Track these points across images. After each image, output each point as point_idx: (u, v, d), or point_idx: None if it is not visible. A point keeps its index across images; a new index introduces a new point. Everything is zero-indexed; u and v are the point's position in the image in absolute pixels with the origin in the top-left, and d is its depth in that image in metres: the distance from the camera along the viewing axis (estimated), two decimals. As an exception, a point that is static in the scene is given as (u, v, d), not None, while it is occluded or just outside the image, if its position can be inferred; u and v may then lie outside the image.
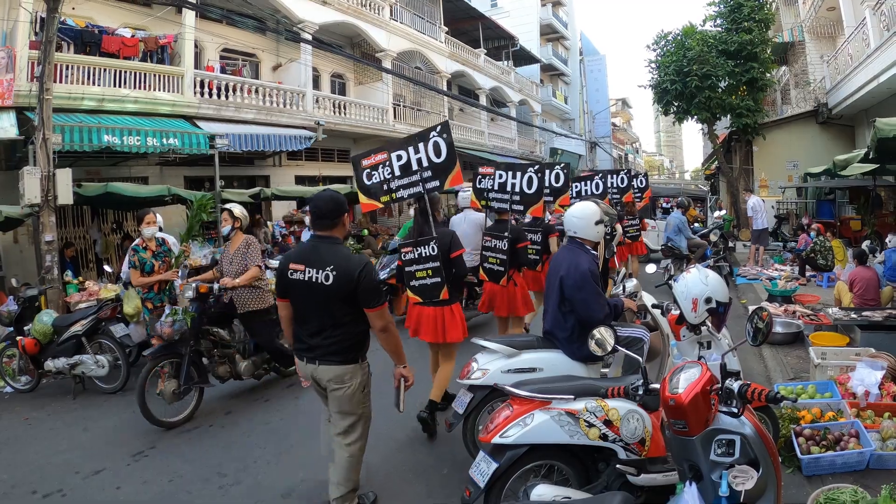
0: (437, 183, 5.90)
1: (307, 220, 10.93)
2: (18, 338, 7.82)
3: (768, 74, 23.75)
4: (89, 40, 14.66)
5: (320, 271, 4.02)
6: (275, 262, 9.98)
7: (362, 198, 6.24)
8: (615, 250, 9.11)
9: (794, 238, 17.82)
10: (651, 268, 7.34)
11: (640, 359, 3.63)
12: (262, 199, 16.01)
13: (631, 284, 6.00)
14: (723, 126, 26.86)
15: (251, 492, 5.03)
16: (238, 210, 7.21)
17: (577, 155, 47.84)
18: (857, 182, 16.43)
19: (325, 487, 4.51)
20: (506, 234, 7.36)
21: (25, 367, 7.86)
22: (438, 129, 5.88)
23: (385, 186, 6.05)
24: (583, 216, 5.05)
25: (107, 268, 10.40)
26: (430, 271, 5.82)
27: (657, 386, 3.19)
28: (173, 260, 8.09)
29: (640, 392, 3.35)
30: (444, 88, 28.12)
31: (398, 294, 9.42)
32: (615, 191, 12.23)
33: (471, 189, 8.67)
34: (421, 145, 5.88)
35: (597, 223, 5.05)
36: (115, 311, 8.17)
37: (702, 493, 2.80)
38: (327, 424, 4.49)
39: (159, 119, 14.81)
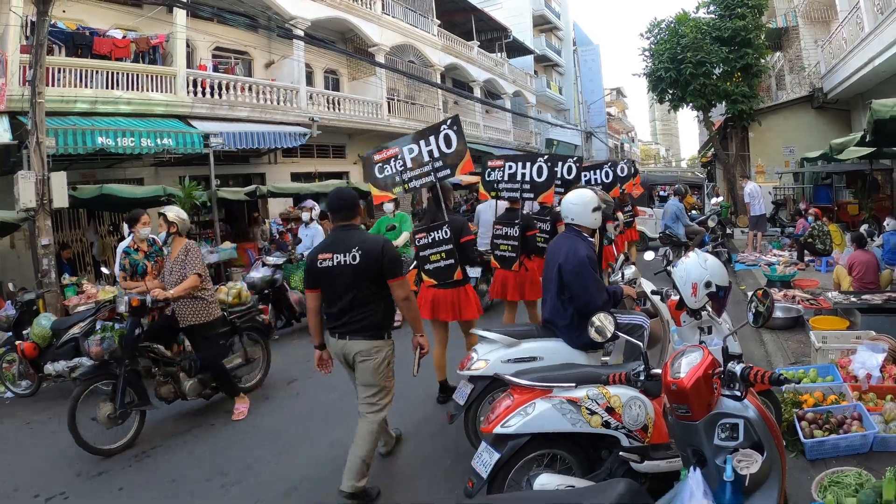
0: (448, 172, 6.32)
1: (304, 216, 10.83)
2: (17, 342, 7.78)
3: (763, 60, 23.73)
4: (80, 42, 14.58)
5: (347, 254, 4.51)
6: (272, 259, 10.00)
7: (374, 190, 6.72)
8: (613, 237, 9.12)
9: (792, 223, 17.79)
10: (650, 255, 7.34)
11: (642, 344, 3.60)
12: (258, 196, 16.00)
13: (630, 271, 5.98)
14: (718, 113, 26.84)
15: (253, 491, 5.00)
16: (173, 214, 6.48)
17: (573, 145, 47.77)
18: (853, 166, 16.41)
19: (326, 485, 4.76)
20: (517, 221, 7.73)
21: (25, 371, 7.82)
22: (449, 122, 6.35)
23: (397, 178, 6.53)
24: (580, 202, 5.04)
25: (104, 269, 10.31)
26: (443, 254, 6.26)
27: (659, 371, 3.16)
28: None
29: (642, 378, 3.31)
30: (438, 82, 28.01)
31: None
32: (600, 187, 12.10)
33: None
34: (432, 138, 6.32)
35: (594, 210, 5.05)
36: (114, 313, 8.11)
37: (706, 478, 2.76)
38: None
39: (153, 120, 14.77)
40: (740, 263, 14.45)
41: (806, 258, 13.81)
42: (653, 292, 5.49)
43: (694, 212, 18.21)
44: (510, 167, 8.15)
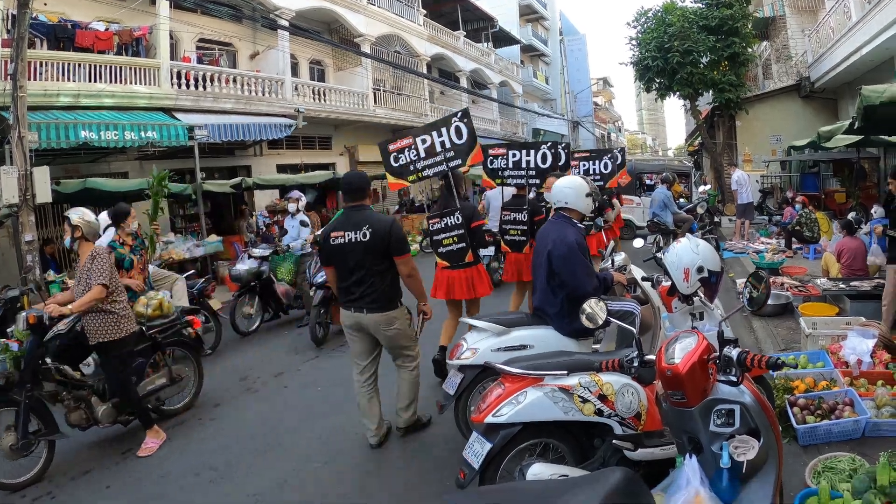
0: (459, 161, 6.77)
1: (290, 207, 10.71)
2: (1, 340, 7.66)
3: (750, 49, 23.79)
4: (62, 35, 14.36)
5: (358, 232, 4.96)
6: (258, 251, 9.90)
7: (390, 178, 7.12)
8: (602, 226, 9.13)
9: (780, 211, 17.89)
10: (638, 242, 7.32)
11: (634, 329, 3.56)
12: (244, 188, 15.84)
13: (620, 258, 5.94)
14: (705, 102, 26.91)
15: (243, 484, 4.93)
16: (76, 217, 5.64)
17: (560, 135, 47.73)
18: (840, 155, 16.47)
19: (318, 477, 4.84)
20: (524, 206, 7.95)
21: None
22: (459, 115, 6.80)
23: (412, 167, 6.93)
24: (574, 186, 4.99)
25: None
26: (455, 238, 6.66)
27: (652, 357, 3.12)
28: (149, 252, 7.92)
29: (636, 364, 3.26)
30: (425, 72, 27.92)
31: (329, 306, 8.93)
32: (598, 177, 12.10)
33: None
34: (444, 129, 6.76)
35: (587, 195, 5.00)
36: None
37: (702, 465, 2.72)
38: (360, 375, 5.36)
39: (137, 113, 14.61)
40: (728, 251, 14.48)
41: (794, 246, 13.86)
42: (643, 279, 5.44)
43: (681, 200, 18.24)
44: (514, 155, 8.51)
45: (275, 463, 5.27)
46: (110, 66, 14.65)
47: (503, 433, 3.61)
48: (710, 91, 23.41)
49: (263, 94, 18.96)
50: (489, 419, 3.62)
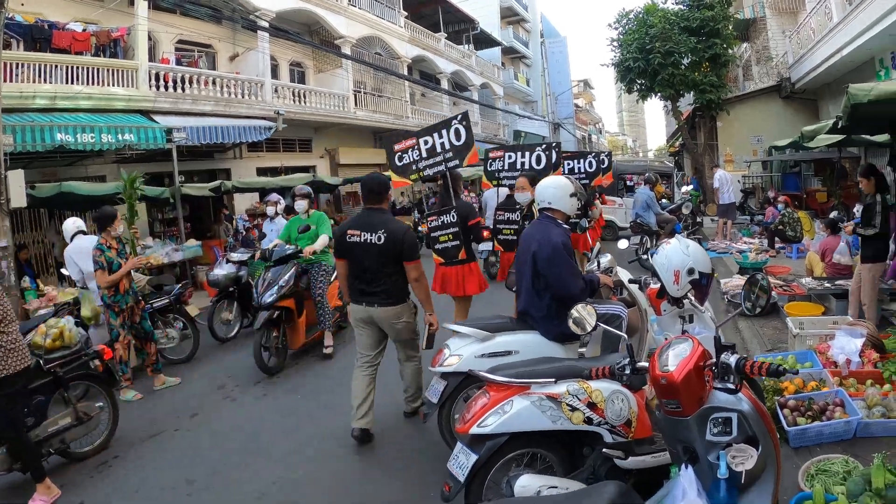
0: (456, 162, 7.01)
1: (268, 210, 10.52)
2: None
3: (731, 50, 23.93)
4: (39, 36, 14.11)
5: (373, 234, 5.27)
6: (236, 256, 9.70)
7: (394, 176, 7.34)
8: (586, 227, 9.08)
9: (761, 211, 17.96)
10: (623, 243, 7.25)
11: (625, 335, 3.44)
12: (223, 192, 15.64)
13: (606, 260, 5.83)
14: (686, 103, 27.02)
15: (222, 496, 4.77)
16: None
17: (541, 137, 47.76)
18: (821, 154, 16.57)
19: (299, 488, 4.82)
20: (517, 206, 8.04)
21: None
22: (459, 117, 7.01)
23: (414, 166, 7.25)
24: (559, 187, 4.85)
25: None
26: (450, 235, 6.94)
27: (645, 364, 2.98)
28: (132, 256, 7.77)
29: (627, 372, 3.11)
30: (406, 74, 27.80)
31: (294, 322, 8.14)
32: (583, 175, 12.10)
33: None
34: (444, 131, 6.99)
35: (571, 195, 4.87)
36: (72, 316, 7.81)
37: (698, 475, 2.60)
38: (362, 365, 5.58)
39: (114, 115, 14.34)
40: (711, 251, 14.45)
41: (777, 245, 13.88)
42: (630, 281, 5.33)
43: (664, 200, 18.27)
44: (510, 157, 8.93)
45: (256, 473, 5.11)
46: (88, 68, 14.39)
47: (489, 444, 3.48)
48: (692, 92, 23.54)
49: (243, 96, 18.73)
50: (474, 430, 3.48)
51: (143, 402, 7.09)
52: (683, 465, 2.66)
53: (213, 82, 17.94)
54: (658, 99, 24.88)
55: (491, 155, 9.18)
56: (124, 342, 7.26)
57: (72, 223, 8.05)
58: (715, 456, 2.63)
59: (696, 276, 3.64)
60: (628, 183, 21.65)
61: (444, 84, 32.69)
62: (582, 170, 11.90)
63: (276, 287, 7.73)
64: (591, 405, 3.52)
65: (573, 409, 3.50)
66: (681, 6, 23.11)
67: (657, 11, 22.72)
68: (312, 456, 5.33)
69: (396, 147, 7.39)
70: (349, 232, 5.39)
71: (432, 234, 7.09)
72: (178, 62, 18.36)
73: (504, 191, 8.94)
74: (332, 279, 8.61)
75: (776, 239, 13.97)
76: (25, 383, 4.97)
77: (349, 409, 5.50)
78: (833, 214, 11.55)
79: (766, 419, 2.75)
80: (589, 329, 3.66)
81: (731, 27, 23.44)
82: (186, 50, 19.64)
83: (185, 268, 14.20)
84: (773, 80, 23.43)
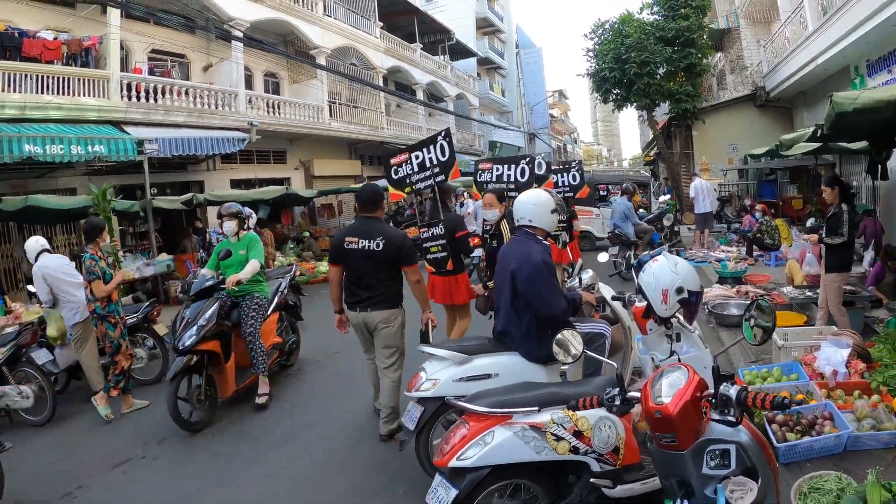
0: (443, 177, 7.27)
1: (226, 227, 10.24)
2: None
3: (706, 60, 24.08)
4: (9, 44, 13.77)
5: (372, 241, 5.52)
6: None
7: (391, 189, 7.86)
8: (567, 241, 8.99)
9: (738, 219, 18.01)
10: (603, 256, 7.16)
11: (615, 364, 3.29)
12: (196, 205, 15.38)
13: (588, 276, 5.67)
14: (662, 112, 27.13)
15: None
16: None
17: (517, 147, 47.86)
18: (797, 162, 16.66)
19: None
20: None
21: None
22: (443, 134, 7.30)
23: (407, 180, 7.60)
24: (539, 203, 4.60)
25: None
26: (439, 247, 7.22)
27: (636, 394, 2.79)
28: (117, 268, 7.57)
29: (617, 402, 2.92)
30: (381, 84, 27.64)
31: (222, 369, 6.89)
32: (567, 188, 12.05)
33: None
34: (432, 147, 7.28)
35: (552, 211, 4.64)
36: (37, 336, 7.48)
37: (695, 511, 2.46)
38: (370, 362, 6.05)
39: (85, 126, 14.00)
40: (690, 260, 14.38)
41: (755, 253, 13.88)
42: (613, 298, 5.17)
43: (641, 210, 18.26)
44: (497, 169, 9.26)
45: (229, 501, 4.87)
46: (58, 77, 14.07)
47: (470, 477, 3.29)
48: (667, 102, 23.65)
49: (216, 107, 18.44)
50: (453, 463, 3.29)
51: (108, 428, 6.82)
52: (678, 501, 2.51)
53: (187, 93, 17.65)
54: (634, 109, 24.98)
55: (480, 166, 9.52)
56: (126, 352, 7.15)
57: (35, 242, 7.67)
58: (712, 490, 2.49)
59: (686, 294, 3.48)
60: (601, 192, 21.67)
61: (420, 95, 32.56)
62: (566, 182, 11.77)
63: (195, 327, 6.40)
64: (578, 434, 3.35)
65: (558, 438, 3.33)
66: (656, 16, 23.30)
67: (633, 22, 22.91)
68: (284, 478, 5.12)
69: (392, 161, 7.74)
70: (347, 239, 5.63)
71: (424, 245, 7.37)
72: (151, 72, 18.01)
73: None
74: (267, 313, 7.54)
75: (754, 247, 13.95)
76: None
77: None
78: (810, 222, 11.56)
79: (766, 449, 2.61)
80: (577, 355, 3.49)
81: (705, 37, 23.59)
82: (159, 60, 19.29)
83: (157, 283, 13.92)
84: (748, 89, 23.64)
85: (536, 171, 9.05)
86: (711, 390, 2.52)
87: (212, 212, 18.68)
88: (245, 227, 7.58)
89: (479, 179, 9.41)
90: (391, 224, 21.20)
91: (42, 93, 13.63)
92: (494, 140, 44.24)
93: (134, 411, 7.26)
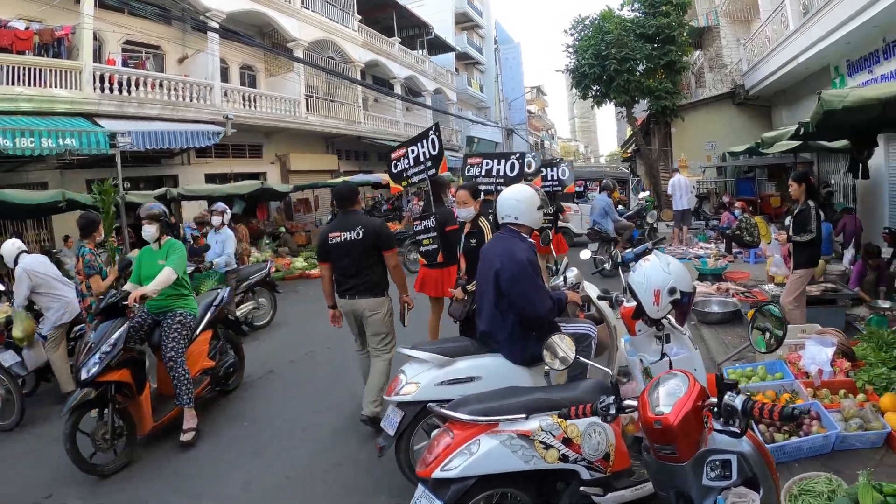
0: (434, 171, 7.48)
1: (214, 220, 10.01)
2: None
3: (685, 57, 24.13)
4: (-21, 34, 13.48)
5: (352, 232, 5.81)
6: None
7: (391, 182, 8.25)
8: (550, 238, 8.91)
9: (716, 216, 18.05)
10: (585, 254, 7.03)
11: (610, 371, 3.16)
12: (170, 199, 15.07)
13: (572, 275, 5.55)
14: (641, 109, 27.18)
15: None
16: None
17: (494, 142, 47.84)
18: (775, 160, 16.72)
19: None
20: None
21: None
22: (433, 129, 7.50)
23: (404, 174, 7.87)
24: (524, 199, 4.43)
25: None
26: (430, 239, 7.39)
27: (633, 403, 2.64)
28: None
29: (612, 412, 2.75)
30: (359, 78, 27.44)
31: (137, 401, 5.72)
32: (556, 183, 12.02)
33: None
34: (425, 141, 7.51)
35: (539, 208, 4.49)
36: (3, 337, 7.22)
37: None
38: (360, 349, 6.25)
39: (56, 118, 13.68)
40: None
41: (734, 250, 13.91)
42: (599, 297, 5.04)
43: (620, 207, 18.25)
44: (486, 164, 9.32)
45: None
46: (29, 68, 13.75)
47: (455, 488, 3.13)
48: (647, 98, 23.67)
49: (191, 100, 18.11)
50: (437, 473, 3.14)
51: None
52: (677, 513, 2.39)
53: (161, 85, 17.32)
54: (613, 105, 24.99)
55: (470, 161, 9.54)
56: None
57: (11, 245, 7.51)
58: (712, 502, 2.35)
59: (678, 295, 3.35)
60: (578, 189, 21.65)
61: (398, 89, 32.34)
62: (556, 177, 11.84)
63: (97, 354, 5.38)
64: (567, 441, 3.22)
65: (547, 446, 3.19)
66: (637, 13, 23.34)
67: (613, 18, 22.95)
68: (258, 497, 4.92)
69: (393, 155, 8.06)
70: (330, 235, 5.90)
71: (417, 238, 7.65)
72: (125, 63, 17.71)
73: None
74: (196, 332, 6.48)
75: (733, 244, 13.97)
76: None
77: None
78: (788, 220, 11.60)
79: (768, 458, 2.49)
80: (570, 363, 3.34)
81: (685, 34, 23.63)
82: (134, 51, 18.93)
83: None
84: (727, 87, 23.74)
85: (508, 174, 9.03)
86: (713, 399, 2.38)
87: (186, 207, 18.46)
88: (168, 232, 6.50)
89: (467, 174, 9.38)
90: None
91: (12, 84, 13.32)
92: (472, 135, 44.21)
93: None
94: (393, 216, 22.37)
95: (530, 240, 4.50)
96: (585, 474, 3.28)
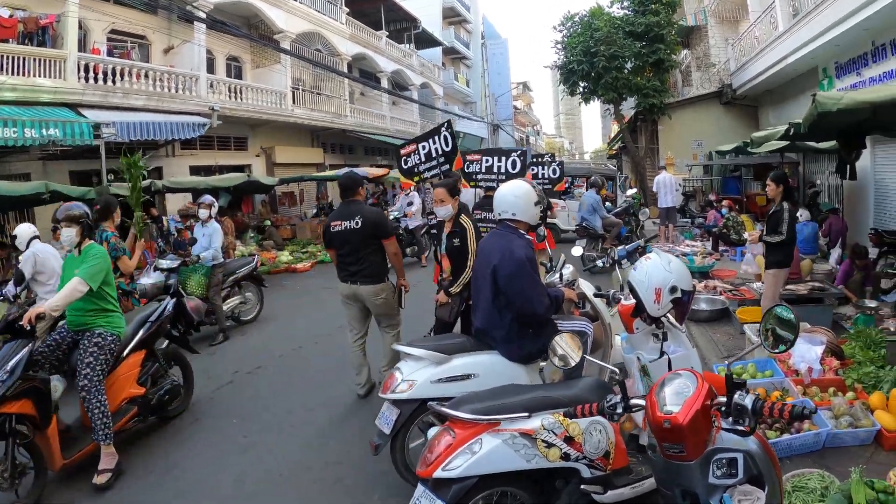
0: (448, 167, 7.83)
1: (201, 213, 9.81)
2: None
3: (674, 56, 24.23)
4: (-38, 21, 13.27)
5: (351, 221, 6.21)
6: (165, 263, 9.07)
7: (401, 177, 8.62)
8: (544, 235, 8.92)
9: (702, 214, 18.13)
10: (577, 250, 7.07)
11: (616, 370, 3.13)
12: (154, 192, 14.88)
13: (568, 272, 5.54)
14: (628, 106, 27.29)
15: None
16: None
17: (480, 138, 47.88)
18: (761, 159, 16.80)
19: None
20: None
21: None
22: (445, 125, 7.92)
23: (416, 169, 8.20)
24: (521, 195, 4.38)
25: None
26: None
27: (640, 402, 2.64)
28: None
29: (619, 411, 2.74)
30: (345, 71, 27.33)
31: (44, 435, 4.83)
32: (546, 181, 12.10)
33: None
34: (437, 138, 7.87)
35: (536, 203, 4.44)
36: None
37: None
38: (353, 337, 6.59)
39: (39, 108, 13.46)
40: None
41: (720, 248, 13.97)
42: (595, 294, 5.03)
43: (608, 204, 18.29)
44: (487, 160, 9.38)
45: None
46: (12, 56, 13.50)
47: (456, 488, 3.10)
48: (635, 96, 23.77)
49: (177, 91, 17.91)
50: (439, 473, 3.10)
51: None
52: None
53: (146, 75, 17.09)
54: (601, 102, 25.07)
55: (469, 158, 9.52)
56: None
57: (28, 227, 7.73)
58: (718, 499, 2.36)
59: (679, 294, 3.35)
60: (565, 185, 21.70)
61: (384, 83, 32.28)
62: (546, 175, 11.98)
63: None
64: (569, 439, 3.20)
65: (549, 445, 3.17)
66: (626, 11, 23.46)
67: (603, 15, 23.06)
68: (250, 490, 4.84)
69: (402, 151, 8.35)
70: (333, 224, 6.34)
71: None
72: (110, 53, 17.44)
73: (480, 192, 9.36)
74: (123, 355, 5.59)
75: (720, 242, 14.03)
76: None
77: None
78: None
79: (772, 456, 2.49)
80: (573, 364, 3.32)
81: (674, 33, 23.72)
82: (119, 40, 18.68)
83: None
84: (715, 87, 23.89)
85: (510, 170, 9.07)
86: (722, 398, 2.37)
87: (170, 199, 18.28)
88: (92, 236, 5.74)
89: (467, 170, 9.29)
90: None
91: (-5, 72, 13.09)
92: (458, 130, 44.13)
93: None
94: (378, 209, 22.29)
95: (528, 237, 4.46)
96: (586, 472, 3.27)
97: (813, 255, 10.72)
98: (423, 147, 8.04)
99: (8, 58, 13.42)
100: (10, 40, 13.93)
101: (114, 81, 15.92)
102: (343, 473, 4.96)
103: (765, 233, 7.25)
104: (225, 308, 9.79)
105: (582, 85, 23.91)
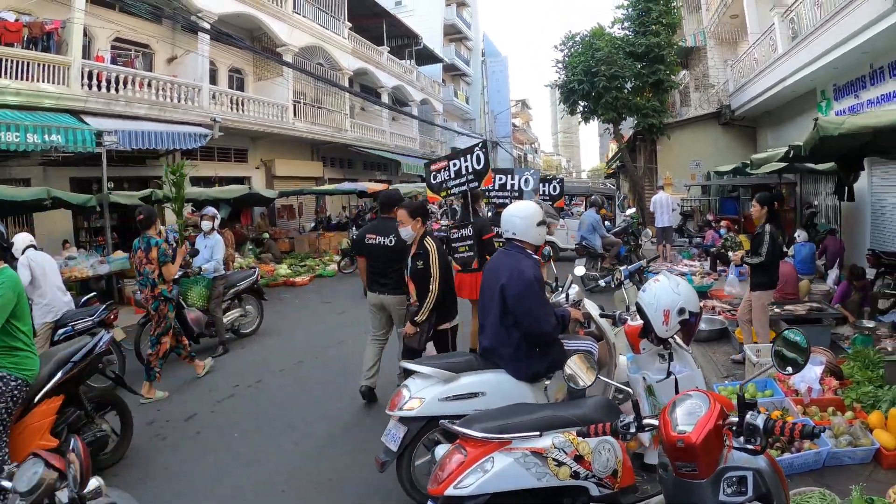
0: (476, 183, 8.11)
1: (204, 225, 9.70)
2: None
3: (673, 77, 24.34)
4: (-33, 25, 13.24)
5: (386, 237, 6.60)
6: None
7: (428, 192, 8.83)
8: (549, 255, 8.98)
9: (700, 234, 18.20)
10: (580, 270, 7.12)
11: (630, 390, 3.16)
12: (154, 201, 14.89)
13: (574, 291, 5.56)
14: (628, 126, 27.38)
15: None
16: None
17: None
18: (759, 180, 16.88)
19: None
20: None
21: None
22: (480, 145, 8.15)
23: (444, 185, 8.43)
24: (525, 216, 4.43)
25: None
26: (467, 247, 7.92)
27: (653, 422, 2.68)
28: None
29: (633, 430, 2.78)
30: (347, 86, 27.44)
31: None
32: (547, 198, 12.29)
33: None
34: (469, 156, 8.10)
35: (539, 224, 4.46)
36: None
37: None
38: (373, 339, 6.95)
39: (42, 114, 13.44)
40: (651, 272, 14.40)
41: (718, 268, 13.98)
42: (601, 315, 5.06)
43: (606, 223, 18.34)
44: (500, 178, 9.85)
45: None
46: (17, 61, 13.50)
47: None
48: (634, 116, 23.84)
49: (179, 101, 17.97)
50: (451, 491, 3.13)
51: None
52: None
53: (149, 84, 17.17)
54: (600, 121, 25.16)
55: (433, 167, 9.25)
56: (171, 335, 7.66)
57: (26, 236, 7.83)
58: (726, 517, 2.38)
59: (687, 315, 3.40)
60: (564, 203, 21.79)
61: (385, 98, 32.39)
62: (547, 193, 12.25)
63: None
64: (579, 458, 3.23)
65: (560, 463, 3.20)
66: (627, 32, 23.59)
67: (604, 36, 23.12)
68: (251, 500, 4.87)
69: (432, 167, 8.63)
70: (368, 236, 6.77)
71: (453, 245, 8.05)
72: (114, 61, 17.52)
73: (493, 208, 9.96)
74: (35, 401, 4.74)
75: (717, 262, 14.07)
76: None
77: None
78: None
79: (781, 474, 2.55)
80: (586, 386, 3.33)
81: (674, 54, 23.86)
82: (123, 49, 18.77)
83: (111, 282, 13.48)
84: (713, 107, 23.99)
85: (523, 188, 9.55)
86: (734, 418, 2.41)
87: (170, 209, 18.27)
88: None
89: (433, 182, 8.75)
90: (353, 226, 21.22)
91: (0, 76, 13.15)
92: (457, 147, 44.30)
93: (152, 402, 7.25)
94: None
95: (535, 257, 4.50)
96: (595, 490, 3.29)
97: (810, 276, 10.76)
98: (455, 164, 8.28)
99: (12, 62, 13.43)
100: (16, 45, 13.94)
101: (117, 89, 15.95)
102: (344, 486, 4.96)
103: (748, 254, 7.29)
104: (225, 320, 9.78)
105: (582, 104, 23.98)
